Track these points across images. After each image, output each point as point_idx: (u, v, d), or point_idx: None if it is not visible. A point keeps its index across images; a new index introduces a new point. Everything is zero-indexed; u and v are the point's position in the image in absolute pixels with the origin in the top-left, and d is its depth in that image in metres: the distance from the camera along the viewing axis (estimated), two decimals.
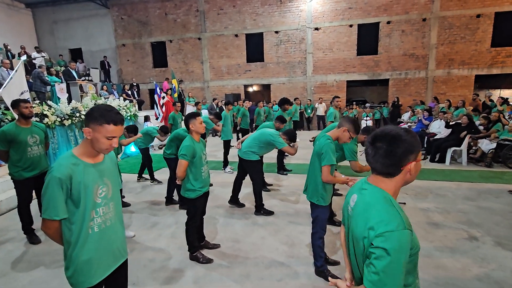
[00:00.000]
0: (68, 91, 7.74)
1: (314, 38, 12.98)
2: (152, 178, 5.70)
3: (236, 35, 13.74)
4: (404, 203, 4.27)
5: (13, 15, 14.34)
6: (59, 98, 7.27)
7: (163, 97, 9.57)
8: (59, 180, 1.36)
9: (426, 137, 7.63)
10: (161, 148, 4.82)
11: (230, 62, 14.12)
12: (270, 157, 6.17)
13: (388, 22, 12.13)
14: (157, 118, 9.15)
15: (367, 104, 12.86)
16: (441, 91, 12.21)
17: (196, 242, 3.00)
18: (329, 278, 1.21)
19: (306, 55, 13.20)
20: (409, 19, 11.98)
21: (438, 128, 7.66)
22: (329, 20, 12.70)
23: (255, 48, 13.79)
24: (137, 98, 12.24)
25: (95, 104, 6.96)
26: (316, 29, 12.87)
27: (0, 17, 13.39)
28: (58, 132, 6.09)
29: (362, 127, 4.55)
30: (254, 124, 8.84)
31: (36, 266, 2.94)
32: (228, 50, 14.01)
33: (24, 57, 9.57)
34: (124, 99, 9.14)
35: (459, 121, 6.98)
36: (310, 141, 4.98)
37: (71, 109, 6.32)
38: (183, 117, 8.17)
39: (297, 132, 5.78)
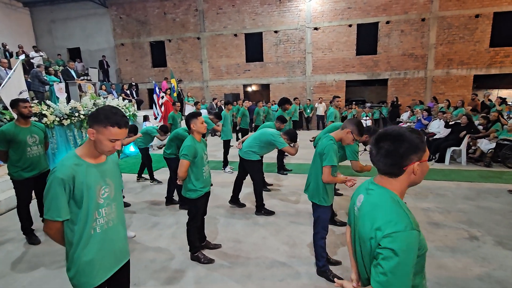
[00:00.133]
0: (67, 91, 7.70)
1: (313, 38, 12.99)
2: (152, 178, 5.68)
3: (235, 35, 13.73)
4: (405, 203, 4.27)
5: (11, 14, 14.26)
6: (57, 98, 7.24)
7: (162, 97, 9.54)
8: (62, 180, 1.34)
9: (425, 137, 7.65)
10: (160, 148, 4.81)
11: (229, 61, 14.10)
12: (270, 157, 6.16)
13: (387, 22, 12.14)
14: (155, 118, 9.12)
15: (368, 104, 12.87)
16: (440, 91, 12.25)
17: (197, 242, 2.99)
18: (335, 280, 1.20)
19: (306, 55, 13.20)
20: (408, 19, 12.00)
21: (438, 128, 7.68)
22: (328, 20, 12.71)
23: (254, 47, 13.78)
24: (136, 97, 12.20)
25: (94, 103, 6.93)
26: (316, 29, 12.87)
27: None
28: (57, 132, 6.06)
29: None
30: (253, 124, 8.84)
31: (36, 266, 2.92)
32: (227, 49, 13.99)
33: (22, 57, 9.52)
34: (123, 99, 9.11)
35: (459, 121, 7.00)
36: (310, 141, 4.98)
37: (70, 109, 6.29)
38: (183, 117, 8.16)
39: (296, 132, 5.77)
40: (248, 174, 4.12)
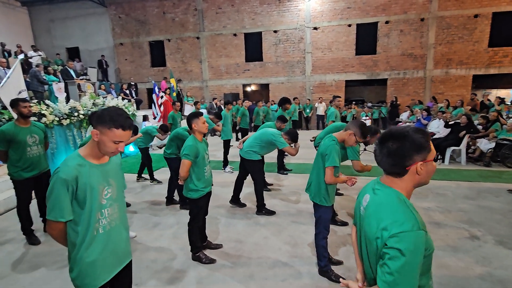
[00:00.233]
0: (66, 90, 7.67)
1: (312, 38, 12.99)
2: (152, 178, 5.67)
3: (235, 35, 13.71)
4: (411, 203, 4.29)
5: (9, 13, 14.19)
6: (56, 98, 7.21)
7: (162, 97, 9.52)
8: (65, 181, 1.34)
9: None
10: (161, 148, 4.79)
11: (229, 61, 14.09)
12: (270, 156, 6.16)
13: (387, 22, 12.16)
14: (154, 118, 9.10)
15: (369, 104, 12.88)
16: (439, 90, 12.27)
17: (199, 242, 2.98)
18: (340, 279, 1.20)
19: (305, 54, 13.20)
20: (407, 19, 12.02)
21: (437, 128, 7.69)
22: (327, 20, 12.71)
23: (253, 47, 13.77)
24: (135, 97, 12.17)
25: (93, 103, 6.90)
26: (315, 28, 12.87)
27: None
28: (56, 131, 6.03)
29: None
30: (252, 124, 8.83)
31: (37, 267, 2.91)
32: (227, 49, 13.97)
33: (21, 56, 9.47)
34: (123, 99, 9.08)
35: (458, 121, 7.02)
36: (311, 140, 4.99)
37: (69, 109, 6.25)
38: (182, 117, 8.12)
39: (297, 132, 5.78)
40: (249, 174, 4.12)
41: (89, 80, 9.34)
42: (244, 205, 4.34)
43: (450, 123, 7.17)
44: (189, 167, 2.70)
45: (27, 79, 7.62)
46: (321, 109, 12.62)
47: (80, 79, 8.50)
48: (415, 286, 0.94)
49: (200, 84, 14.66)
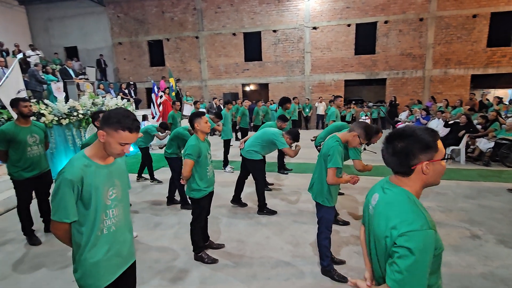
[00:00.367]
0: (65, 90, 7.62)
1: (312, 37, 12.99)
2: (152, 178, 5.65)
3: (234, 34, 13.69)
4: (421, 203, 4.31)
5: (7, 12, 14.09)
6: (55, 97, 7.16)
7: (161, 96, 9.49)
8: (71, 182, 1.33)
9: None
10: (161, 148, 4.78)
11: (228, 61, 14.07)
12: (271, 156, 6.14)
13: (386, 22, 12.18)
14: (153, 117, 9.07)
15: (370, 104, 12.90)
16: (437, 90, 12.32)
17: (201, 242, 2.98)
18: (349, 278, 1.20)
19: (304, 54, 13.20)
20: (406, 18, 12.05)
21: (436, 127, 7.72)
22: (327, 19, 12.72)
23: (253, 47, 13.76)
24: (134, 97, 12.12)
25: (93, 103, 6.87)
26: (314, 28, 12.88)
27: None
28: (55, 131, 6.00)
29: None
30: (252, 124, 8.83)
31: (38, 267, 2.89)
32: (226, 49, 13.95)
33: (20, 55, 9.41)
34: (122, 98, 9.05)
35: (458, 120, 7.04)
36: (312, 140, 4.99)
37: (68, 108, 6.22)
38: (182, 116, 8.09)
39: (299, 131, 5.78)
40: (250, 174, 4.11)
41: (87, 79, 9.29)
42: (245, 204, 4.34)
43: (449, 122, 7.19)
44: (191, 167, 2.69)
45: (25, 79, 7.56)
46: (321, 108, 12.63)
47: (79, 79, 8.45)
48: (424, 285, 0.94)
49: (199, 84, 14.63)
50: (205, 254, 2.93)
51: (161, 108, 9.29)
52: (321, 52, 13.08)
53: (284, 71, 13.62)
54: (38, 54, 11.26)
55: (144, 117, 8.49)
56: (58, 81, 8.45)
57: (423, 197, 4.52)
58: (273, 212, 4.04)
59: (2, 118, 5.24)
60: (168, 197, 4.48)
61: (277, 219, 3.89)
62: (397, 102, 12.32)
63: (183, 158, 2.72)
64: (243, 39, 13.74)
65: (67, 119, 6.18)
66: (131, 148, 7.03)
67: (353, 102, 13.35)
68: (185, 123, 8.00)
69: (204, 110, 11.06)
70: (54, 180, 4.00)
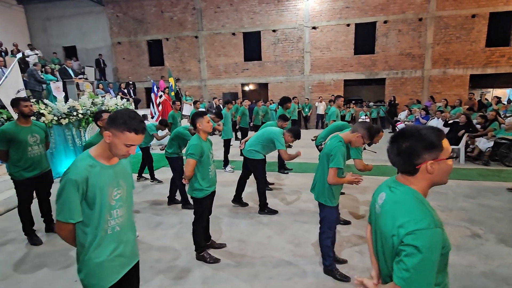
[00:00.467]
0: (65, 90, 7.60)
1: (311, 37, 12.99)
2: (152, 178, 5.64)
3: (234, 34, 13.68)
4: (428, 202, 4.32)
5: (5, 11, 14.03)
6: (55, 97, 7.14)
7: (160, 96, 9.47)
8: (75, 182, 1.33)
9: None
10: (162, 150, 4.78)
11: (228, 60, 14.06)
12: (271, 156, 6.14)
13: (385, 22, 12.20)
14: (152, 117, 9.06)
15: (371, 103, 12.91)
16: (436, 90, 12.34)
17: (203, 242, 2.98)
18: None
19: (304, 54, 13.20)
20: (406, 18, 12.07)
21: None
22: (326, 19, 12.72)
23: (252, 47, 13.75)
24: (133, 96, 12.10)
25: (92, 102, 6.85)
26: (314, 28, 12.88)
27: None
28: (55, 131, 5.99)
29: None
30: (251, 124, 8.83)
31: (39, 267, 2.89)
32: (226, 48, 13.94)
33: (20, 55, 9.38)
34: (121, 98, 9.03)
35: (457, 120, 7.07)
36: (312, 140, 5.00)
37: (68, 108, 6.21)
38: (182, 116, 8.07)
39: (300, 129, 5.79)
40: (252, 174, 4.11)
41: (87, 79, 9.26)
42: (246, 204, 4.34)
43: (449, 122, 7.22)
44: (194, 166, 2.69)
45: (24, 78, 7.54)
46: (321, 108, 12.63)
47: (79, 78, 8.43)
48: (431, 283, 0.94)
49: (198, 84, 14.62)
50: (207, 254, 2.93)
51: (160, 107, 9.28)
52: (320, 52, 13.08)
53: (284, 71, 13.62)
54: (36, 54, 11.22)
55: (144, 117, 8.41)
56: (57, 80, 8.42)
57: None
58: (274, 212, 4.04)
59: (2, 118, 5.22)
60: (169, 197, 4.48)
61: (278, 219, 3.90)
62: (396, 102, 12.35)
63: (185, 157, 2.72)
64: (242, 39, 13.73)
65: (67, 119, 6.16)
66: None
67: (353, 102, 13.35)
68: (185, 123, 8.01)
69: (203, 110, 11.05)
70: (55, 180, 4.00)
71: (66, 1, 14.76)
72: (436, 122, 7.92)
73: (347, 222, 3.71)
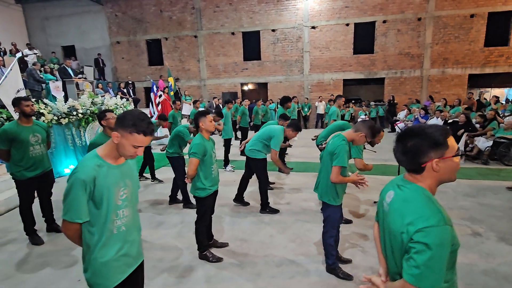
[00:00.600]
0: (64, 89, 7.57)
1: (311, 37, 13.01)
2: (153, 177, 5.64)
3: (233, 33, 13.67)
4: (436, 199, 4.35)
5: (3, 11, 13.96)
6: (54, 97, 7.11)
7: (160, 96, 9.46)
8: (83, 182, 1.33)
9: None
10: (163, 151, 4.78)
11: (227, 60, 14.05)
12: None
13: (384, 21, 12.23)
14: (151, 117, 9.04)
15: (372, 103, 12.94)
16: (435, 89, 12.39)
17: (206, 241, 2.98)
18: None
19: (303, 53, 13.22)
20: (405, 18, 12.11)
21: None
22: (325, 19, 12.74)
23: (252, 46, 13.75)
24: (133, 96, 12.08)
25: (92, 102, 6.83)
26: (313, 27, 12.89)
27: None
28: (55, 131, 5.97)
29: None
30: (251, 123, 8.84)
31: (42, 267, 2.88)
32: (225, 48, 13.93)
33: (19, 54, 9.34)
34: (121, 98, 9.01)
35: (457, 119, 7.10)
36: (313, 139, 5.01)
37: (68, 108, 6.19)
38: (182, 116, 8.08)
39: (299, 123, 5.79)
40: (254, 173, 4.12)
41: (86, 79, 9.23)
42: (247, 203, 4.35)
43: (448, 121, 7.25)
44: (196, 166, 2.69)
45: (23, 78, 7.50)
46: (321, 108, 12.65)
47: (79, 78, 8.41)
48: (441, 280, 0.95)
49: (198, 83, 14.61)
50: (209, 253, 2.94)
51: (159, 107, 9.27)
52: (319, 52, 13.10)
53: (283, 70, 13.63)
54: (35, 53, 11.19)
55: None
56: (56, 80, 8.39)
57: None
58: (275, 211, 4.05)
59: (1, 117, 5.20)
60: (171, 196, 4.48)
61: (279, 218, 3.91)
62: (395, 102, 12.39)
63: (188, 156, 2.72)
64: (242, 39, 13.73)
65: (67, 119, 6.14)
66: None
67: (353, 101, 13.38)
68: (185, 122, 8.00)
69: (203, 109, 11.03)
70: (56, 180, 3.98)
71: (65, 0, 14.71)
72: (435, 122, 7.95)
73: (348, 221, 3.72)
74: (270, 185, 5.16)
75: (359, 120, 11.47)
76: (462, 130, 6.63)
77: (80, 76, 9.18)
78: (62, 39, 15.38)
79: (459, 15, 11.64)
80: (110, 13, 14.64)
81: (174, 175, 4.41)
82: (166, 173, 5.92)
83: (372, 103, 13.29)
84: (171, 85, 11.03)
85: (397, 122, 10.21)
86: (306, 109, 13.19)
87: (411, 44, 12.23)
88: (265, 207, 4.05)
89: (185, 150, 3.81)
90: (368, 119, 11.64)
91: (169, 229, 3.66)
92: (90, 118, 6.60)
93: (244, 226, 3.70)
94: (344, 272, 2.64)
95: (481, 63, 11.84)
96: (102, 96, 7.81)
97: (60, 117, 6.03)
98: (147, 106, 11.53)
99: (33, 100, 6.11)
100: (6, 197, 4.34)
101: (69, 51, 15.27)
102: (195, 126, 2.84)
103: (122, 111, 8.00)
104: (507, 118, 7.33)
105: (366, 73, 12.90)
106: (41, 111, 5.71)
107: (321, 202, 2.69)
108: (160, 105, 9.35)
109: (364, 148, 8.14)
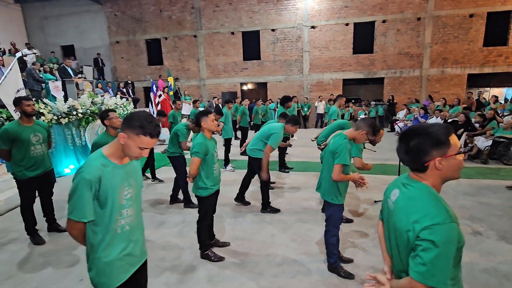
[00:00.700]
0: (64, 89, 7.56)
1: (310, 37, 13.02)
2: (154, 177, 5.63)
3: (233, 33, 13.67)
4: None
5: (2, 10, 13.92)
6: (54, 97, 7.10)
7: (160, 95, 9.46)
8: (89, 181, 1.34)
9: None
10: (164, 152, 4.78)
11: (227, 60, 14.05)
12: (272, 155, 6.17)
13: (384, 21, 12.25)
14: None
15: (373, 102, 12.97)
16: (434, 89, 12.43)
17: (207, 240, 2.98)
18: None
19: (303, 53, 13.23)
20: (404, 18, 12.13)
21: None
22: (325, 19, 12.75)
23: (251, 46, 13.75)
24: (132, 96, 12.06)
25: (92, 102, 6.82)
26: (313, 27, 12.91)
27: None
28: (55, 130, 5.96)
29: None
30: (251, 123, 8.84)
31: (43, 267, 2.88)
32: (225, 48, 13.93)
33: (19, 54, 9.31)
34: (121, 97, 9.00)
35: (456, 119, 7.12)
36: (312, 140, 5.02)
37: (68, 107, 6.18)
38: (182, 116, 8.07)
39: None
40: (256, 173, 4.13)
41: (85, 78, 9.21)
42: (248, 203, 4.35)
43: (448, 121, 7.27)
44: (198, 165, 2.70)
45: (23, 78, 7.48)
46: (321, 107, 12.67)
47: (78, 78, 8.39)
48: (448, 277, 0.96)
49: (197, 83, 14.60)
50: (211, 252, 2.94)
51: (159, 107, 9.27)
52: (319, 51, 13.11)
53: (283, 70, 13.64)
54: (34, 53, 11.16)
55: None
56: (56, 80, 8.38)
57: None
58: (276, 210, 4.06)
59: (1, 117, 5.19)
60: (172, 195, 4.48)
61: (280, 217, 3.91)
62: (395, 101, 12.41)
63: (190, 156, 2.72)
64: (241, 38, 13.73)
65: (67, 118, 6.14)
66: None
67: (352, 101, 13.39)
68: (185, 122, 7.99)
69: (204, 109, 11.03)
70: (57, 180, 3.97)
71: (64, 0, 14.67)
72: (435, 121, 7.97)
73: (349, 220, 3.73)
74: (271, 185, 5.17)
75: (359, 118, 11.47)
76: (462, 130, 6.65)
77: (79, 76, 9.15)
78: (61, 38, 15.35)
79: (458, 15, 11.67)
80: (110, 12, 14.62)
81: (175, 175, 4.41)
82: (166, 173, 5.92)
83: (372, 102, 13.31)
84: (170, 84, 11.03)
85: (396, 122, 10.24)
86: (305, 109, 13.20)
87: (411, 44, 12.26)
88: (266, 207, 4.06)
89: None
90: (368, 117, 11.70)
91: (171, 228, 3.66)
92: (90, 118, 6.59)
93: (245, 225, 3.71)
94: (345, 271, 2.65)
95: (480, 62, 11.88)
96: (101, 96, 7.81)
97: (60, 117, 6.02)
98: (147, 106, 11.54)
99: (33, 100, 6.11)
100: (7, 196, 4.34)
101: (68, 51, 15.24)
102: (197, 126, 2.84)
103: (122, 111, 8.01)
104: (506, 117, 7.36)
105: (365, 72, 12.92)
106: (41, 111, 5.70)
107: (323, 201, 2.70)
108: (159, 104, 9.35)
109: (364, 148, 8.17)
